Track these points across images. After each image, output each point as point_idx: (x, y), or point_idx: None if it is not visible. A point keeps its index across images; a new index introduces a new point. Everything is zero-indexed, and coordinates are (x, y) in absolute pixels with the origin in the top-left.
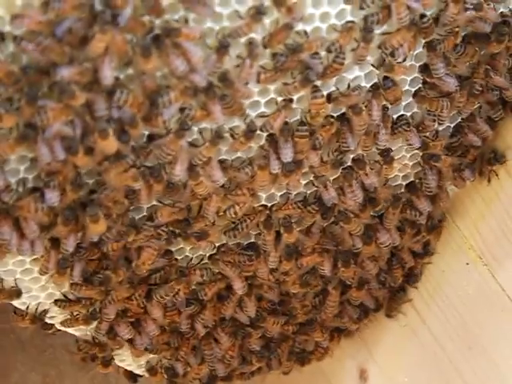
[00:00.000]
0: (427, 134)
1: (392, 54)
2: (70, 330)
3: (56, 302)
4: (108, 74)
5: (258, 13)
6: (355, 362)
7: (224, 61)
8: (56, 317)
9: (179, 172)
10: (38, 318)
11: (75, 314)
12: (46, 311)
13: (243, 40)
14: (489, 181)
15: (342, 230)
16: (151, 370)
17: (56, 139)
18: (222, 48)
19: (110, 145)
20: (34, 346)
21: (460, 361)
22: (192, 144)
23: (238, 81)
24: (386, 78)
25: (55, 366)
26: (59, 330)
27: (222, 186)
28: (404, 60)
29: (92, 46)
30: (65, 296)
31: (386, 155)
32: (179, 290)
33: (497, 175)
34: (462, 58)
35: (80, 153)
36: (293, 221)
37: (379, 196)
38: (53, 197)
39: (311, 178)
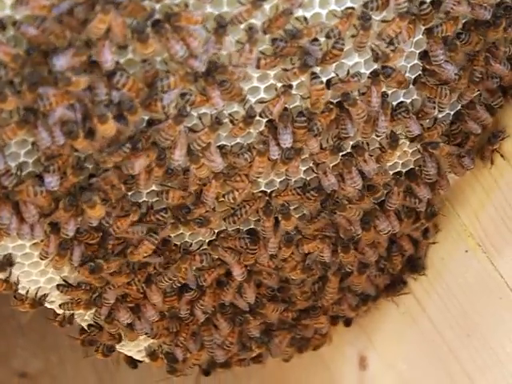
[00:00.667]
0: (426, 121)
1: (391, 43)
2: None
3: (58, 286)
4: (109, 58)
5: None
6: (355, 350)
7: (223, 41)
8: (55, 301)
9: (178, 157)
10: (38, 302)
11: (76, 298)
12: (45, 295)
13: (243, 26)
14: (492, 163)
15: (341, 218)
16: (152, 354)
17: (56, 124)
18: (220, 28)
19: (110, 129)
20: (35, 332)
21: (459, 348)
22: (191, 129)
23: (230, 64)
24: (384, 66)
25: (56, 351)
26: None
27: (222, 172)
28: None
29: (92, 26)
30: (65, 281)
31: (393, 139)
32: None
33: (501, 156)
34: (465, 46)
35: (80, 137)
36: (292, 207)
37: (378, 182)
38: (52, 181)
39: (311, 165)
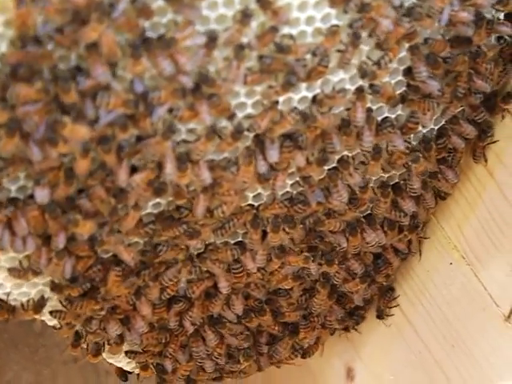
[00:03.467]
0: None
1: (377, 63)
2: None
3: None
4: (100, 71)
5: (245, 16)
6: (342, 361)
7: (212, 55)
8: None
9: (170, 170)
10: (39, 305)
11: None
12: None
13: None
14: (485, 160)
15: (323, 231)
16: (142, 366)
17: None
18: (211, 42)
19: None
20: (28, 346)
21: (443, 359)
22: (185, 141)
23: (219, 78)
24: (372, 84)
25: (48, 365)
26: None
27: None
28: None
29: (85, 32)
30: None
31: (376, 151)
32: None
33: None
34: (452, 67)
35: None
36: (279, 220)
37: (364, 196)
38: (43, 195)
39: (297, 179)
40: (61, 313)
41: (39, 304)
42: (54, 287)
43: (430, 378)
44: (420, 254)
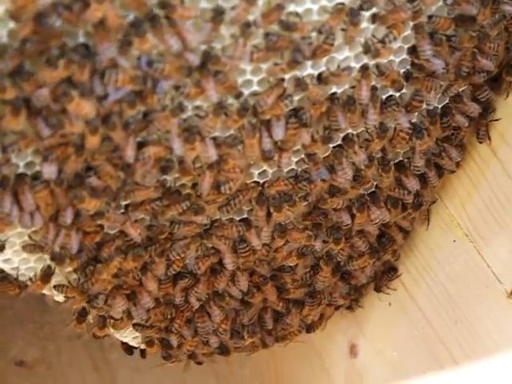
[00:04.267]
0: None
1: (382, 41)
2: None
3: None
4: (106, 46)
5: None
6: (346, 338)
7: (219, 30)
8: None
9: (178, 145)
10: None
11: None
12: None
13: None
14: (489, 138)
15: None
16: (147, 341)
17: None
18: (218, 16)
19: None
20: (33, 322)
21: (446, 335)
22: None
23: (223, 55)
24: (377, 65)
25: (53, 340)
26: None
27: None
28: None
29: (90, 12)
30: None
31: (382, 129)
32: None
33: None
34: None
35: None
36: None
37: (368, 174)
38: (50, 171)
39: (302, 156)
40: (66, 287)
41: (46, 274)
42: (54, 257)
43: (433, 354)
44: (428, 223)
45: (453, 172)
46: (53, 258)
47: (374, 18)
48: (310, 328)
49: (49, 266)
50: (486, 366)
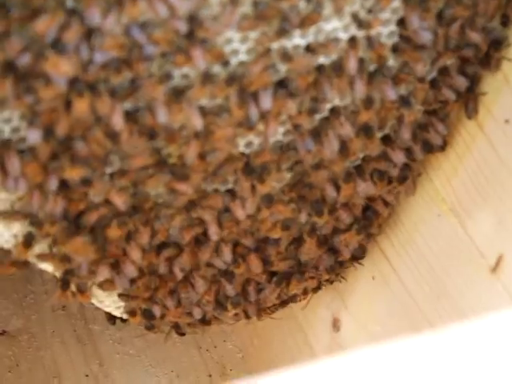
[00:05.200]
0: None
1: (369, 11)
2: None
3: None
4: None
5: None
6: (329, 312)
7: None
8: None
9: (163, 115)
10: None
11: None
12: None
13: None
14: (476, 112)
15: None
16: (130, 311)
17: None
18: None
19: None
20: (16, 292)
21: (429, 309)
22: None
23: (206, 20)
24: (369, 37)
25: (36, 311)
26: None
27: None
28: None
29: None
30: None
31: (369, 102)
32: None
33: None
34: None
35: None
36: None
37: (354, 146)
38: (35, 136)
39: (288, 127)
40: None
41: (27, 239)
42: (34, 222)
43: (416, 328)
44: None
45: (442, 149)
46: (32, 223)
47: None
48: (291, 300)
49: (30, 232)
50: (468, 340)
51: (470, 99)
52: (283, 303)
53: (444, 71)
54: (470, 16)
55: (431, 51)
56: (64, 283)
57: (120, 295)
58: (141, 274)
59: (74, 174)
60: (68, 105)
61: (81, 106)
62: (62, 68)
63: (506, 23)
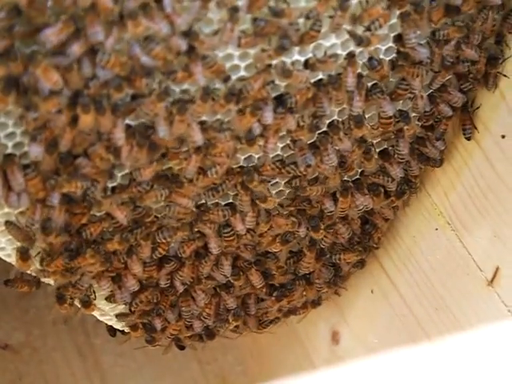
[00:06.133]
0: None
1: (368, 28)
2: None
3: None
4: (98, 29)
5: None
6: (328, 325)
7: (209, 7)
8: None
9: (163, 131)
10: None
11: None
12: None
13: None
14: (475, 128)
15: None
16: (132, 325)
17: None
18: None
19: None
20: (19, 307)
21: (427, 322)
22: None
23: (201, 33)
24: (370, 58)
25: (38, 325)
26: None
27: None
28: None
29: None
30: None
31: (358, 120)
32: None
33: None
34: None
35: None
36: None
37: (352, 161)
38: (37, 151)
39: (288, 142)
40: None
41: (21, 252)
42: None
43: (414, 340)
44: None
45: (439, 163)
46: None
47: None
48: (291, 313)
49: (22, 246)
50: (466, 353)
51: (466, 117)
52: (283, 316)
53: (441, 87)
54: (464, 35)
55: (428, 67)
56: (59, 298)
57: (117, 316)
58: (142, 287)
59: (74, 189)
60: (73, 119)
61: (86, 120)
62: (53, 77)
63: (499, 42)
